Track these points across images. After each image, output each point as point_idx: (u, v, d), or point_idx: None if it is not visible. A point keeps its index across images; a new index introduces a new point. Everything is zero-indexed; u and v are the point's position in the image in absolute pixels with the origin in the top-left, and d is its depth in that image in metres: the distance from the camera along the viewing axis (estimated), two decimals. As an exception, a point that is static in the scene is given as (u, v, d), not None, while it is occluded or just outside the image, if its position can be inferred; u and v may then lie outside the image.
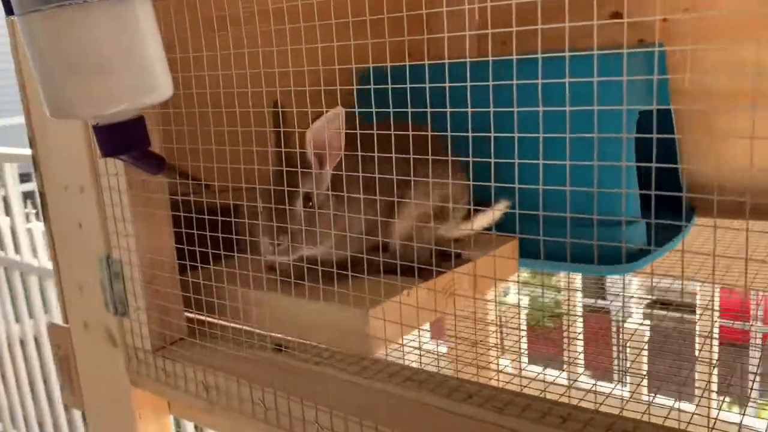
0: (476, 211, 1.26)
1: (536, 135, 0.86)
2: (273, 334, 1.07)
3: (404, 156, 0.94)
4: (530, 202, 0.84)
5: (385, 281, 1.04)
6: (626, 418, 0.79)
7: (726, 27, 1.49)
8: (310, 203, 1.03)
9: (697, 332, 1.79)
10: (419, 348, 0.96)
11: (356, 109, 0.93)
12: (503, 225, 1.11)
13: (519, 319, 1.85)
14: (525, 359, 2.10)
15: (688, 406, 1.70)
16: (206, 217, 0.97)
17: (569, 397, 0.84)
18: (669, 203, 1.47)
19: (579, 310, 2.04)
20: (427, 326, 2.08)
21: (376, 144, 0.91)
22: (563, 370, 1.85)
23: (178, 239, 1.09)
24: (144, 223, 1.06)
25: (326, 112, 0.98)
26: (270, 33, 0.92)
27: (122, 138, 0.80)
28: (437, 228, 1.18)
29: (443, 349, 1.58)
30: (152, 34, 0.79)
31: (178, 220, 1.05)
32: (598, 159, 0.75)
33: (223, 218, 0.97)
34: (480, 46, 1.91)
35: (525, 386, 0.92)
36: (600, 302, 2.03)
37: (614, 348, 1.95)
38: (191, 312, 1.11)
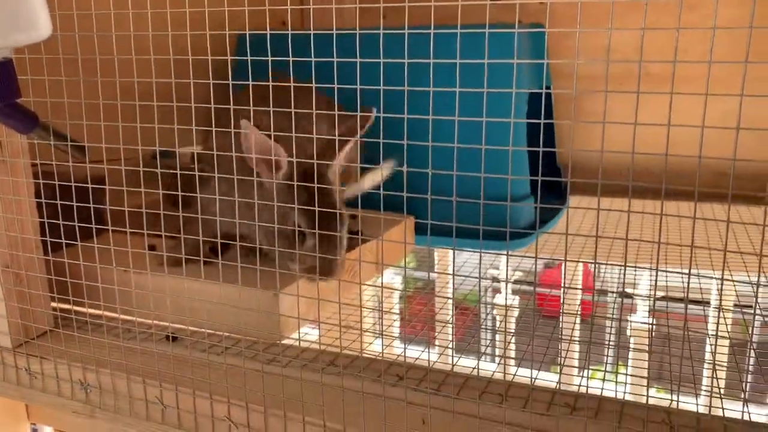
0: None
1: (426, 117, 0.80)
2: (171, 324, 0.94)
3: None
4: (421, 179, 0.79)
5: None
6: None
7: (598, 12, 1.55)
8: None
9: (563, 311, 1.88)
10: (340, 325, 0.88)
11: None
12: (398, 204, 1.06)
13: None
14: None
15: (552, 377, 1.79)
16: (93, 186, 0.82)
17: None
18: (550, 183, 1.53)
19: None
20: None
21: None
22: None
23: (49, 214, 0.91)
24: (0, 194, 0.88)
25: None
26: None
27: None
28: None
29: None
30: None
31: (48, 191, 0.88)
32: (489, 138, 0.72)
33: (111, 187, 0.83)
34: (362, 18, 1.85)
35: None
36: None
37: (483, 327, 2.00)
38: (65, 300, 0.94)
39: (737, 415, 0.67)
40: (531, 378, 0.78)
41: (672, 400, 0.74)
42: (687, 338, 0.67)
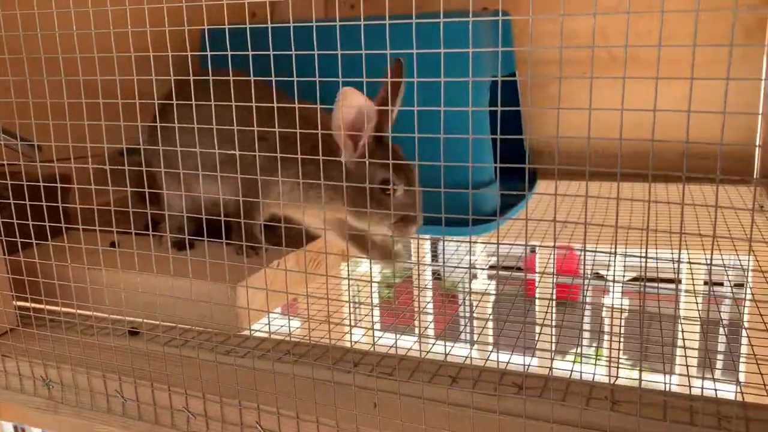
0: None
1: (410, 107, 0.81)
2: (130, 318, 0.95)
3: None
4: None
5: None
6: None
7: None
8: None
9: (537, 296, 1.89)
10: (308, 317, 0.90)
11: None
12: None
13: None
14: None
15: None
16: (60, 185, 0.83)
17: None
18: (516, 169, 1.54)
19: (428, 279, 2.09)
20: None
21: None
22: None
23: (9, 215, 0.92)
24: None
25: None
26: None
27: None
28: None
29: (296, 324, 1.53)
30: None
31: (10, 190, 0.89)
32: (451, 125, 0.73)
33: (63, 185, 0.84)
34: (327, 10, 1.85)
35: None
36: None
37: (462, 313, 2.02)
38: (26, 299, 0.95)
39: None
40: (467, 358, 0.80)
41: (615, 377, 0.76)
42: (641, 317, 0.69)
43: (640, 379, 0.67)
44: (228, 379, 0.81)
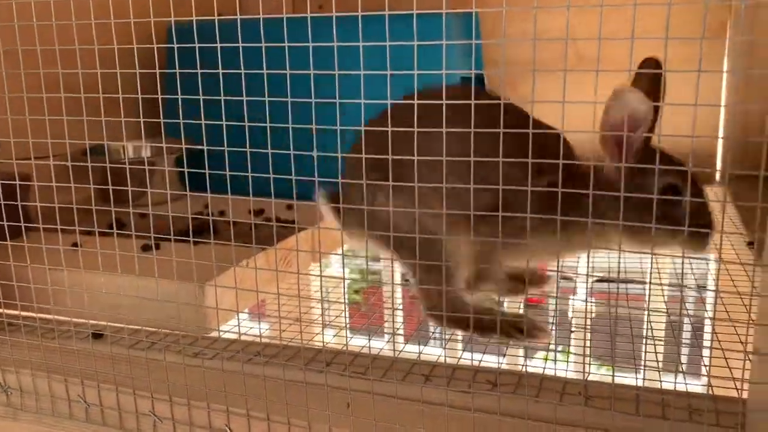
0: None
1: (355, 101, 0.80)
2: (93, 321, 0.92)
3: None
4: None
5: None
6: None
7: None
8: None
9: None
10: (279, 317, 0.88)
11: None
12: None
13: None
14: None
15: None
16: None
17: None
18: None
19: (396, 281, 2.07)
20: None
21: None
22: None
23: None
24: None
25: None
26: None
27: None
28: None
29: (265, 326, 1.51)
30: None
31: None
32: None
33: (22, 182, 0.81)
34: (295, 9, 1.84)
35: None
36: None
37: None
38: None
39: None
40: (440, 356, 0.79)
41: (587, 373, 0.76)
42: (613, 315, 0.69)
43: (613, 375, 0.67)
44: (196, 381, 0.79)
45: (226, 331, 0.90)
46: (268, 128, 0.72)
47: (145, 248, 1.07)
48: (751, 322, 0.64)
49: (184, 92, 0.76)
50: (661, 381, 0.76)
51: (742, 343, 0.63)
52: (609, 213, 0.72)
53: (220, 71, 0.73)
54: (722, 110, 1.53)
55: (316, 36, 0.69)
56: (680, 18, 0.60)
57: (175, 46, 0.81)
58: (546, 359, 0.87)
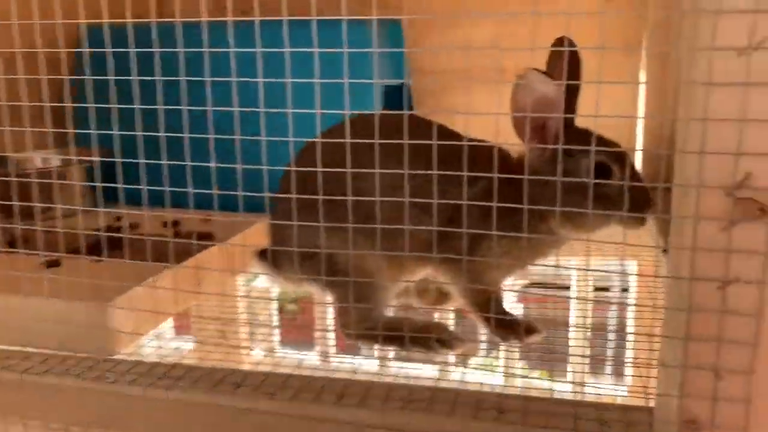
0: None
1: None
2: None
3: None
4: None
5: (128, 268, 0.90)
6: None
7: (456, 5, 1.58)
8: None
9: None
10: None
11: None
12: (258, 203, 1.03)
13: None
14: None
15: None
16: None
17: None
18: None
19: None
20: (170, 321, 1.91)
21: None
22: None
23: None
24: None
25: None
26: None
27: None
28: None
29: (189, 345, 1.45)
30: None
31: None
32: None
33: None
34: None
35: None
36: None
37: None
38: None
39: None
40: (354, 371, 0.77)
41: (504, 386, 0.75)
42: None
43: (528, 387, 0.67)
44: (95, 406, 0.74)
45: (128, 355, 0.85)
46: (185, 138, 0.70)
47: (50, 265, 1.01)
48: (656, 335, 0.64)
49: (97, 100, 0.73)
50: (579, 392, 0.76)
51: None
52: (542, 202, 0.70)
53: (135, 78, 0.70)
54: (639, 122, 1.57)
55: (240, 43, 0.67)
56: (591, 31, 0.60)
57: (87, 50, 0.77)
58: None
